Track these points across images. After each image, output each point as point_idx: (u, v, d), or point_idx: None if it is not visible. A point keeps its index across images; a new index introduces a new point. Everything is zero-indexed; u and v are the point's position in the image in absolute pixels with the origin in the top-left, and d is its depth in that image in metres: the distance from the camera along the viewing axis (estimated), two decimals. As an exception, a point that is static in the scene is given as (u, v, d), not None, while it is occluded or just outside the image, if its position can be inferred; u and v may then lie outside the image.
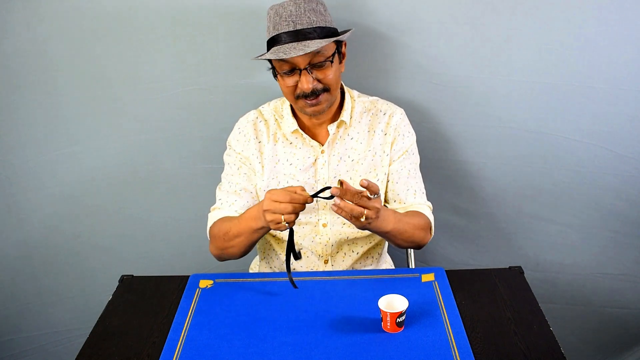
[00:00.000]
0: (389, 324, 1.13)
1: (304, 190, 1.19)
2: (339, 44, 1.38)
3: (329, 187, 1.14)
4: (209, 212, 1.47)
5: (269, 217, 1.20)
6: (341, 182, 1.15)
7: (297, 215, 1.20)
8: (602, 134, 1.61)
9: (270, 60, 1.38)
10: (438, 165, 1.72)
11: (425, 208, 1.46)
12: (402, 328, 1.14)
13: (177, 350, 1.13)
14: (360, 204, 1.15)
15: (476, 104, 1.63)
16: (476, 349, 1.11)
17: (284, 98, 1.48)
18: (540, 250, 1.84)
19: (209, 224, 1.45)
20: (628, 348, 1.93)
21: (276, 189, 1.20)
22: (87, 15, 1.54)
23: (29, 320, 1.91)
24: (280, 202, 1.18)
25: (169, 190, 1.80)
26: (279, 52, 1.30)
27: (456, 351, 1.09)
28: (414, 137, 1.49)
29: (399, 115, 1.47)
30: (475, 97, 1.62)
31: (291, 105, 1.45)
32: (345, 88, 1.49)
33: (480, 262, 1.88)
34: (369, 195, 1.16)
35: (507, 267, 1.37)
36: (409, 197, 1.45)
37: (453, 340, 1.12)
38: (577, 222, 1.77)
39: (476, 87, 1.60)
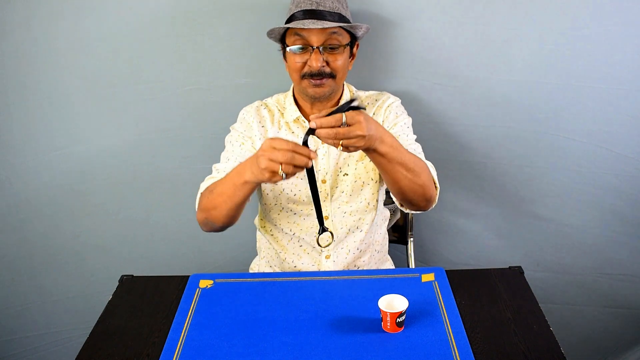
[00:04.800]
0: (389, 324, 1.13)
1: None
2: (353, 41, 1.42)
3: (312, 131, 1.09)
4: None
5: (264, 163, 1.10)
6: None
7: (295, 170, 1.11)
8: (602, 134, 1.61)
9: (282, 37, 1.41)
10: (438, 165, 1.72)
11: (426, 162, 1.36)
12: (402, 328, 1.14)
13: (177, 350, 1.13)
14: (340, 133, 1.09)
15: (476, 104, 1.63)
16: (476, 349, 1.10)
17: (287, 92, 1.51)
18: (540, 250, 1.84)
19: (200, 190, 1.40)
20: (628, 348, 1.93)
21: (278, 137, 1.12)
22: (87, 15, 1.54)
23: (29, 320, 1.91)
24: (280, 150, 1.09)
25: (169, 190, 1.80)
26: (297, 24, 1.33)
27: (456, 351, 1.09)
28: (410, 120, 1.48)
29: (392, 100, 1.48)
30: (475, 97, 1.62)
31: (294, 96, 1.48)
32: (345, 83, 1.51)
33: (480, 262, 1.88)
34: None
35: (507, 267, 1.37)
36: None
37: (453, 340, 1.12)
38: (577, 222, 1.77)
39: (476, 87, 1.60)
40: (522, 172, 1.71)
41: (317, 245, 1.49)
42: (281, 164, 1.10)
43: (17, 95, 1.61)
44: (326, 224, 1.48)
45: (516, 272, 1.35)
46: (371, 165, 1.46)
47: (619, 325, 1.91)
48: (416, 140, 1.47)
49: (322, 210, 1.47)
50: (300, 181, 1.45)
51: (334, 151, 1.45)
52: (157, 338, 1.18)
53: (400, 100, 1.50)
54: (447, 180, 1.77)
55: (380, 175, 1.46)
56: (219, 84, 1.64)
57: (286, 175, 1.12)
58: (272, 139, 1.13)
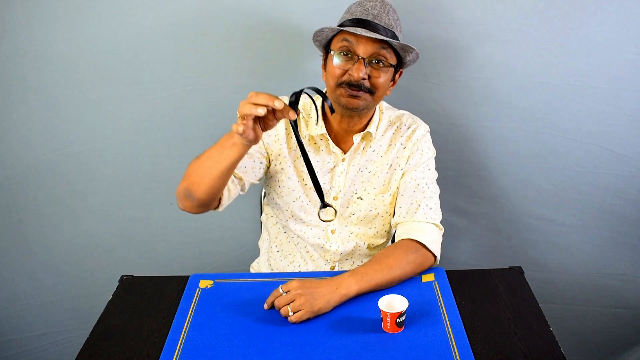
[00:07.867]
0: (389, 324, 1.13)
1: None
2: (398, 66, 1.36)
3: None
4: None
5: (245, 108, 1.06)
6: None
7: (266, 110, 1.05)
8: (602, 134, 1.61)
9: (328, 43, 1.34)
10: (438, 165, 1.71)
11: (428, 227, 1.35)
12: (402, 328, 1.14)
13: (177, 350, 1.13)
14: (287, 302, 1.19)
15: (476, 104, 1.63)
16: (476, 349, 1.11)
17: (314, 97, 1.41)
18: (540, 250, 1.84)
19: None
20: (628, 348, 1.93)
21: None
22: (87, 15, 1.54)
23: (29, 320, 1.91)
24: (261, 95, 1.05)
25: (169, 190, 1.79)
26: (349, 29, 1.27)
27: (456, 351, 1.09)
28: (433, 154, 1.45)
29: (422, 131, 1.43)
30: (476, 97, 1.62)
31: (323, 107, 1.41)
32: None
33: (480, 262, 1.88)
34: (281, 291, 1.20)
35: (507, 267, 1.37)
36: (410, 212, 1.38)
37: (453, 340, 1.12)
38: (577, 222, 1.77)
39: (476, 87, 1.61)
40: (522, 172, 1.71)
41: (323, 255, 1.47)
42: (261, 105, 1.04)
43: (17, 95, 1.61)
44: (332, 237, 1.46)
45: (516, 272, 1.35)
46: (390, 199, 1.43)
47: (619, 325, 1.91)
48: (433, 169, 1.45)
49: (330, 224, 1.45)
50: (311, 193, 1.42)
51: (352, 171, 1.42)
52: (157, 338, 1.18)
53: (429, 131, 1.45)
54: (447, 180, 1.76)
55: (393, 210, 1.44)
56: (219, 84, 1.64)
57: (261, 124, 1.12)
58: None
